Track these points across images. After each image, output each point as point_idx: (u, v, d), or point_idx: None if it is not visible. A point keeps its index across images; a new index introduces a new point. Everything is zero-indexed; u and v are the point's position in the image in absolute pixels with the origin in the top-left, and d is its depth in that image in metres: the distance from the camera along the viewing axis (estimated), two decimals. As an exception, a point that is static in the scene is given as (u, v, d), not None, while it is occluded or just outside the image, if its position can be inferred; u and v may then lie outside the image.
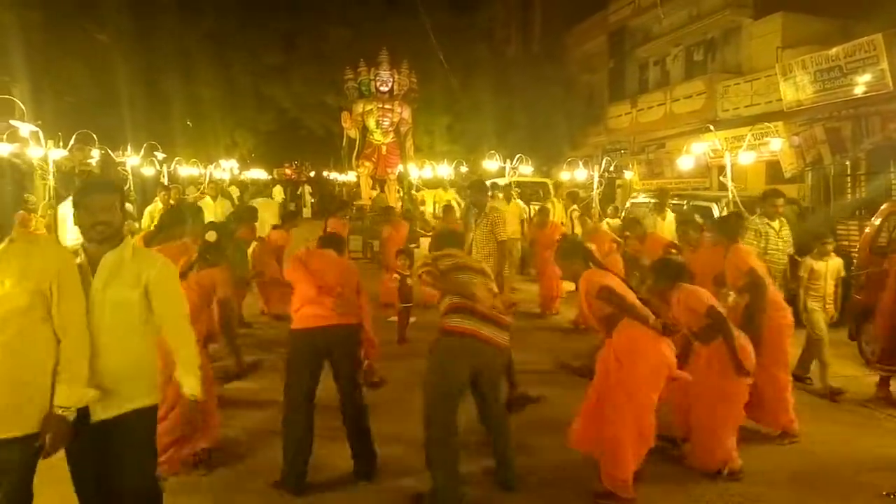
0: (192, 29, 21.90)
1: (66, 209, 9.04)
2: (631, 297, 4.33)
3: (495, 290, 4.43)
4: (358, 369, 4.69)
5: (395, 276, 8.46)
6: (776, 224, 6.79)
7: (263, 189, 26.66)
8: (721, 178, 10.81)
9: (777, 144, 11.68)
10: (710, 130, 11.42)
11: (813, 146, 15.20)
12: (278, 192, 27.98)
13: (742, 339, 4.63)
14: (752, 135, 10.43)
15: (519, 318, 9.32)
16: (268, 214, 11.31)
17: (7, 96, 9.34)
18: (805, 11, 17.74)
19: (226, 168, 25.31)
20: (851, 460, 4.97)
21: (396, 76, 19.01)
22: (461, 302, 4.12)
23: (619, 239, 10.03)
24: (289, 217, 11.34)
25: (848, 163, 15.19)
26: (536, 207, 13.04)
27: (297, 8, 24.59)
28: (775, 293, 5.56)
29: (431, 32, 22.05)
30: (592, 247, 4.52)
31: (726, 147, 9.88)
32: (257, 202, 12.12)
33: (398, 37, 21.71)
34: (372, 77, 18.89)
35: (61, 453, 2.88)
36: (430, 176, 21.92)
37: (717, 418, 4.58)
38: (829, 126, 15.00)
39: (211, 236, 4.73)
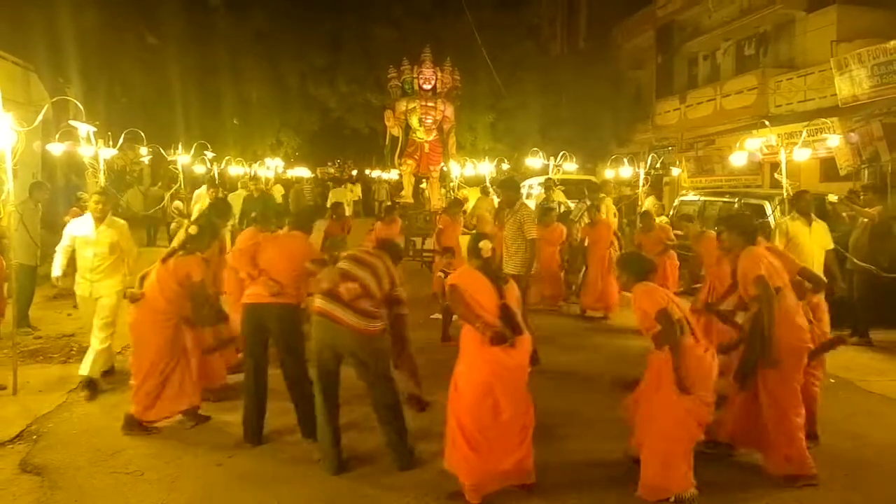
0: (241, 31, 22.27)
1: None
2: (480, 298, 4.12)
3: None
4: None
5: (440, 274, 8.42)
6: None
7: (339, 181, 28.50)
8: (776, 175, 10.49)
9: (835, 141, 11.30)
10: (766, 126, 11.12)
11: (870, 143, 14.75)
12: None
13: (706, 355, 4.14)
14: (807, 131, 10.11)
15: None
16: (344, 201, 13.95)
17: (64, 97, 9.57)
18: (860, 3, 17.29)
19: (270, 166, 25.65)
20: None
21: (440, 74, 18.93)
22: None
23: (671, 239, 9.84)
24: (388, 210, 11.93)
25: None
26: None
27: (342, 9, 24.82)
28: (794, 309, 4.60)
29: (476, 30, 21.96)
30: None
31: (781, 143, 9.58)
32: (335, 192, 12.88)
33: (443, 35, 21.64)
34: (415, 75, 18.86)
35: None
36: (472, 174, 21.83)
37: (668, 438, 4.07)
38: (887, 122, 14.54)
39: (193, 230, 5.24)
